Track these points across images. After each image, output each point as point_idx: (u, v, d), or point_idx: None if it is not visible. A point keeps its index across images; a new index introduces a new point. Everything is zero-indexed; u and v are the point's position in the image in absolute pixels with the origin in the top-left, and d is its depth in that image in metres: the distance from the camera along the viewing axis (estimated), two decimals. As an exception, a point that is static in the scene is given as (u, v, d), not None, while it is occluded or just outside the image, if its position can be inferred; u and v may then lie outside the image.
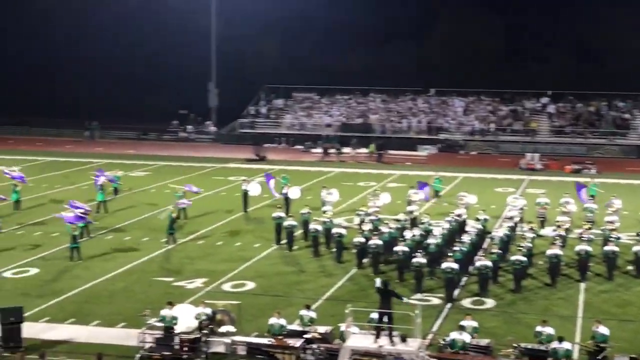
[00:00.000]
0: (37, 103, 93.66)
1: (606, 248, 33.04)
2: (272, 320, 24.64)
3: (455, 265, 30.02)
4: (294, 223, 37.20)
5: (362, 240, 34.05)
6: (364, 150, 70.50)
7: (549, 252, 31.88)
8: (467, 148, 74.51)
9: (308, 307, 25.74)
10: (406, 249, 32.35)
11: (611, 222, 36.99)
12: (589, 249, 32.60)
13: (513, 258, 31.43)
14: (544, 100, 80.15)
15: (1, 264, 34.30)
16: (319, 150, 71.50)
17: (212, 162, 65.69)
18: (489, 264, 30.55)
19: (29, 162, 64.27)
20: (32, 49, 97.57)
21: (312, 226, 36.69)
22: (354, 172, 60.86)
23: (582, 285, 31.60)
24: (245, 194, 45.91)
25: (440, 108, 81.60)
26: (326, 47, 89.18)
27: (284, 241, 37.49)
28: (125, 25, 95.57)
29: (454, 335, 23.45)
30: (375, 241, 33.30)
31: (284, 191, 45.80)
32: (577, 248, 32.55)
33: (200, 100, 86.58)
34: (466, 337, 23.37)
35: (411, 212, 40.19)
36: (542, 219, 40.56)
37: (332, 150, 70.06)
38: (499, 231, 36.00)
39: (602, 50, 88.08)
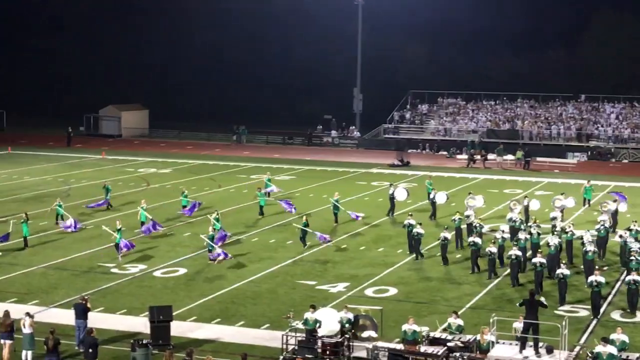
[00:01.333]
0: (188, 107, 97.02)
1: None
2: (405, 327, 24.46)
3: (602, 279, 28.96)
4: (421, 231, 36.70)
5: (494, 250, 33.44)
6: (510, 157, 69.25)
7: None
8: (617, 156, 72.07)
9: (456, 314, 25.45)
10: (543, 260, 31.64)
11: None
12: None
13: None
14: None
15: (152, 263, 35.51)
16: (464, 156, 70.73)
17: (356, 167, 66.01)
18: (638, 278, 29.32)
19: (179, 164, 66.38)
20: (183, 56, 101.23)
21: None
22: (499, 179, 59.91)
23: None
24: (392, 198, 45.96)
25: (591, 114, 79.23)
26: (472, 52, 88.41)
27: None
28: (274, 30, 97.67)
29: (599, 348, 22.68)
30: (515, 251, 32.62)
31: (430, 196, 45.82)
32: None
33: (345, 106, 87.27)
34: (612, 350, 22.52)
35: (554, 218, 39.32)
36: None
37: (477, 157, 69.16)
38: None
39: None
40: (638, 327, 27.55)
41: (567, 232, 35.82)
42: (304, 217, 39.44)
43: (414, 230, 36.70)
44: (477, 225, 38.05)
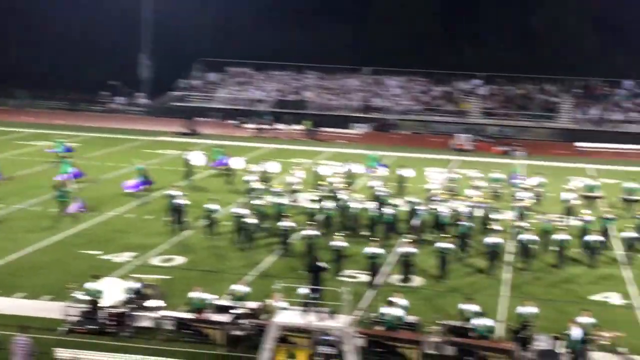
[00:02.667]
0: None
1: (555, 236, 33.09)
2: (192, 294, 24.49)
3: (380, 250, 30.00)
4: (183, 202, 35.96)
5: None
6: (297, 126, 70.41)
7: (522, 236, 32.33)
8: (400, 127, 74.98)
9: (242, 282, 25.67)
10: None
11: (522, 199, 38.68)
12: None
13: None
14: (476, 82, 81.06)
15: None
16: (252, 125, 71.19)
17: (143, 135, 64.95)
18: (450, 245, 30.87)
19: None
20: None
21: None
22: (287, 149, 60.82)
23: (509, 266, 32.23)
24: (187, 163, 46.00)
25: (375, 87, 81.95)
26: (262, 22, 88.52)
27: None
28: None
29: (386, 310, 23.71)
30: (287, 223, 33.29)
31: (224, 161, 46.54)
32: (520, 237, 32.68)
33: (131, 72, 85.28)
34: (399, 312, 23.64)
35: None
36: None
37: (265, 126, 69.82)
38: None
39: (534, 35, 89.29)
40: (416, 292, 28.93)
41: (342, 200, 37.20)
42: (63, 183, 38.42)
43: (174, 200, 36.13)
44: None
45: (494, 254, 31.33)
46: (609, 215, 36.02)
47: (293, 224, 33.38)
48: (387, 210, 35.76)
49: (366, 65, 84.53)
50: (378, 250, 29.47)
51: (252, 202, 37.05)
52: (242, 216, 33.82)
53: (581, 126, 73.81)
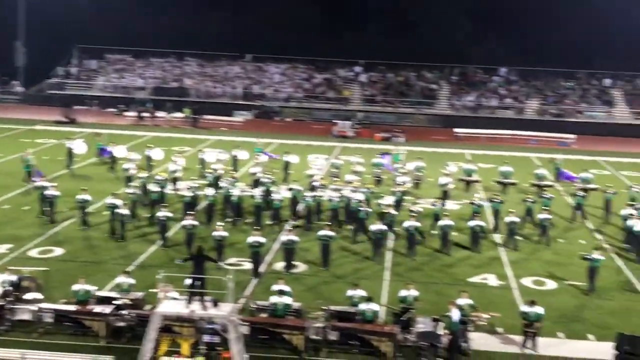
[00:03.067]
0: None
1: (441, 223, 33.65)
2: (76, 287, 24.05)
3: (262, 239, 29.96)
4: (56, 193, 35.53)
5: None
6: (178, 114, 69.66)
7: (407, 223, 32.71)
8: (282, 114, 75.09)
9: (127, 273, 25.30)
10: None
11: (402, 183, 39.74)
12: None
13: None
14: (357, 69, 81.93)
15: None
16: (132, 113, 70.04)
17: (19, 124, 63.07)
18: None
19: None
20: None
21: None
22: (167, 137, 60.10)
23: (389, 252, 32.77)
24: (70, 151, 45.19)
25: (257, 74, 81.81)
26: (142, 8, 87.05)
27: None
28: None
29: (275, 299, 23.81)
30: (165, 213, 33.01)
31: (108, 149, 46.32)
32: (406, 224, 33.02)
33: (6, 59, 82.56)
34: (287, 300, 23.78)
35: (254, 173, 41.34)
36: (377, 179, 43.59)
37: (145, 114, 68.82)
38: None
39: (413, 22, 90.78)
40: (299, 278, 29.11)
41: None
42: None
43: (45, 192, 35.42)
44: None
45: (378, 240, 31.76)
46: (497, 199, 37.13)
47: (170, 214, 33.00)
48: (275, 196, 35.87)
49: (248, 52, 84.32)
50: (261, 239, 29.41)
51: (126, 191, 36.59)
52: (116, 206, 33.26)
53: (459, 112, 75.60)
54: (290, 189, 37.36)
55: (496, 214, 36.57)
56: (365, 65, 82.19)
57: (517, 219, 34.34)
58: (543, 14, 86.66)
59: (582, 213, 38.60)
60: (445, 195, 40.06)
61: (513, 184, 43.77)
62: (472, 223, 33.62)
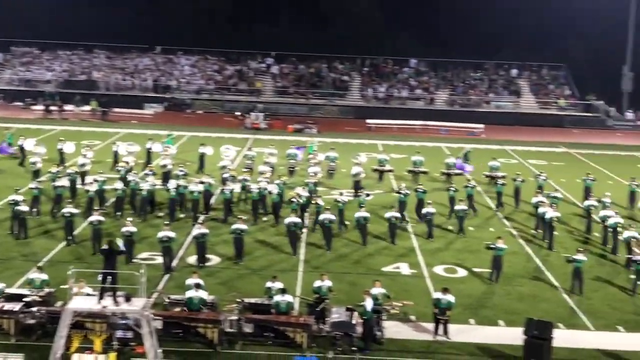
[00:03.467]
0: None
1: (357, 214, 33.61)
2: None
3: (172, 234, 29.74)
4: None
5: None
6: (87, 107, 68.43)
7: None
8: (193, 107, 74.47)
9: (40, 269, 24.76)
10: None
11: (314, 174, 40.11)
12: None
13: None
14: (269, 61, 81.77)
15: None
16: (40, 107, 68.51)
17: None
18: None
19: None
20: None
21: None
22: (77, 130, 59.00)
23: (302, 244, 32.86)
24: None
25: (167, 66, 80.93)
26: (48, 0, 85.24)
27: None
28: None
29: (191, 293, 23.67)
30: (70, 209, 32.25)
31: (9, 150, 45.73)
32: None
33: None
34: (203, 294, 23.65)
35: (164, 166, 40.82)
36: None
37: (53, 108, 67.43)
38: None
39: (324, 14, 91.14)
40: (213, 272, 28.98)
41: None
42: None
43: None
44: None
45: (293, 233, 31.74)
46: (420, 188, 37.58)
47: (75, 210, 32.27)
48: (193, 187, 35.54)
49: (157, 44, 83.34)
50: (170, 234, 29.12)
51: (30, 186, 35.79)
52: (17, 203, 32.43)
53: (370, 103, 76.21)
54: (202, 182, 37.03)
55: (420, 203, 36.75)
56: (277, 56, 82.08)
57: (433, 210, 34.75)
58: (452, 6, 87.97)
59: (499, 202, 39.26)
60: (357, 186, 40.33)
61: (424, 172, 44.35)
62: (388, 214, 33.84)
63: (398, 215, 34.15)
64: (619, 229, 32.71)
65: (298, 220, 32.23)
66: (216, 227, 33.49)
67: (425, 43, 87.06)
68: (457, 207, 35.47)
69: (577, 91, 78.70)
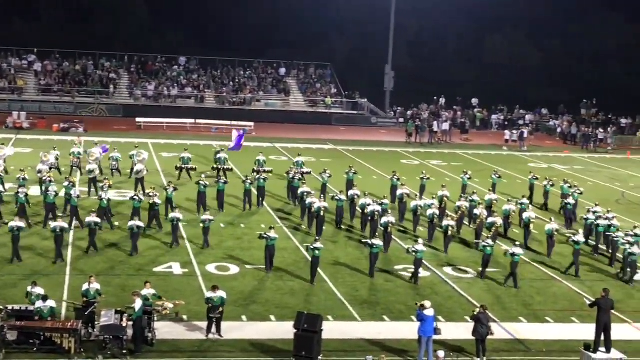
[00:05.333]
0: None
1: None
2: None
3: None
4: None
5: None
6: None
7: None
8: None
9: None
10: None
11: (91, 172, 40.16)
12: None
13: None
14: (30, 58, 78.30)
15: None
16: None
17: None
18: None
19: None
20: None
21: None
22: None
23: (69, 246, 31.82)
24: None
25: None
26: None
27: None
28: None
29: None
30: None
31: None
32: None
33: None
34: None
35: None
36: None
37: None
38: None
39: (89, 10, 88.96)
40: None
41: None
42: None
43: None
44: None
45: (58, 237, 30.43)
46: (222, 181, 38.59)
47: None
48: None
49: None
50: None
51: None
52: None
53: (139, 102, 74.96)
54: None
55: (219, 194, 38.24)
56: (40, 53, 78.78)
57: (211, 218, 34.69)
58: (220, 4, 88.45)
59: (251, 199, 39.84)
60: (139, 183, 39.85)
61: (193, 169, 44.31)
62: (172, 215, 33.38)
63: (180, 216, 33.64)
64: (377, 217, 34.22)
65: (64, 224, 31.00)
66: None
67: (194, 41, 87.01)
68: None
69: (342, 90, 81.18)
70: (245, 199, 39.03)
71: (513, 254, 29.85)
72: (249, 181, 39.44)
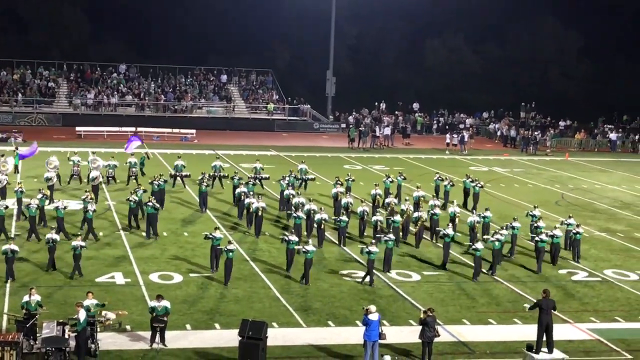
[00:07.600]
0: None
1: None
2: None
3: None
4: None
5: None
6: None
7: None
8: None
9: None
10: None
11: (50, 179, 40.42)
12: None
13: None
14: (-34, 67, 77.04)
15: None
16: None
17: None
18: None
19: None
20: None
21: None
22: None
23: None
24: None
25: None
26: None
27: None
28: None
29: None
30: None
31: None
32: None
33: None
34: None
35: None
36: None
37: None
38: None
39: (25, 19, 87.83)
40: None
41: None
42: None
43: None
44: None
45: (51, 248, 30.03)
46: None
47: None
48: None
49: None
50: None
51: None
52: None
53: (79, 110, 74.10)
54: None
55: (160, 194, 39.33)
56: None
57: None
58: (160, 12, 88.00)
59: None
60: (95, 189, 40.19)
61: (187, 176, 45.45)
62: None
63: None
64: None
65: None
66: None
67: (134, 49, 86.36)
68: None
69: (284, 96, 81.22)
70: (200, 201, 40.33)
71: (476, 249, 31.38)
72: (204, 184, 40.32)
